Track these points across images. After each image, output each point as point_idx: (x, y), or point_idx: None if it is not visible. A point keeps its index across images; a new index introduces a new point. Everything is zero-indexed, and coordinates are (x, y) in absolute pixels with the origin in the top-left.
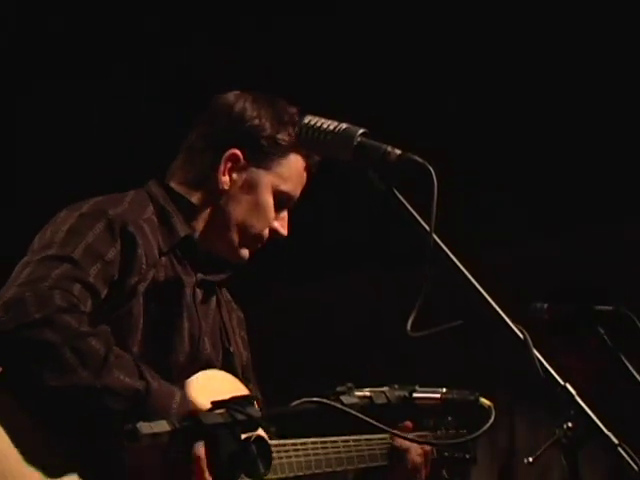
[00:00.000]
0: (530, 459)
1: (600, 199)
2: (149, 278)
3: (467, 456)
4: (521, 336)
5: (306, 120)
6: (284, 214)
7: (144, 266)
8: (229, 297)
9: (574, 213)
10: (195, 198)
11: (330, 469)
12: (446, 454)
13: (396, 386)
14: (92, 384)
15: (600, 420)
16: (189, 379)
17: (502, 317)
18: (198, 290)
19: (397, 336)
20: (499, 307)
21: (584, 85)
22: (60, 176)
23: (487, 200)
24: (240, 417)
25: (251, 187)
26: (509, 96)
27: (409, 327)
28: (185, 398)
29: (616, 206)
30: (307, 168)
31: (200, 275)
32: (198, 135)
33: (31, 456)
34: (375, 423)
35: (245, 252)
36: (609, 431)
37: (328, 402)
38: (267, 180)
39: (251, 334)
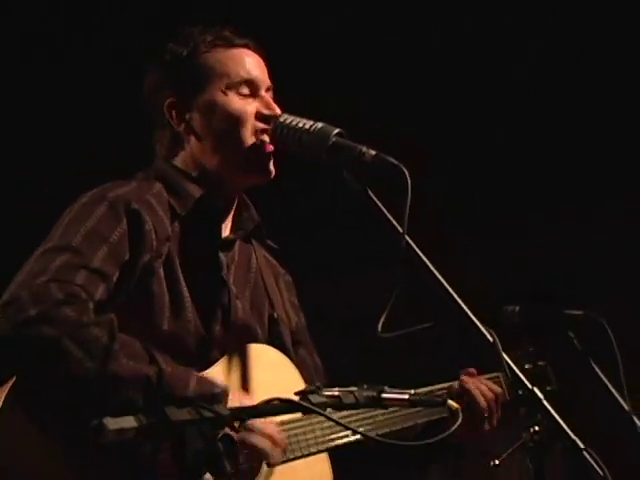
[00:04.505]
0: (496, 461)
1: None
2: (164, 253)
3: (548, 388)
4: (490, 338)
5: (282, 119)
6: (262, 95)
7: (154, 242)
8: (273, 261)
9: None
10: (181, 162)
11: (396, 428)
12: (521, 392)
13: (365, 386)
14: (100, 373)
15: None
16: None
17: (472, 319)
18: (224, 254)
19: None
20: (469, 310)
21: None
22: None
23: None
24: (207, 414)
25: (208, 110)
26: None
27: (379, 328)
28: (204, 380)
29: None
30: (243, 47)
31: (226, 236)
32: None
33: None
34: (343, 424)
35: (259, 145)
36: (575, 435)
37: (296, 401)
38: (213, 92)
39: None
